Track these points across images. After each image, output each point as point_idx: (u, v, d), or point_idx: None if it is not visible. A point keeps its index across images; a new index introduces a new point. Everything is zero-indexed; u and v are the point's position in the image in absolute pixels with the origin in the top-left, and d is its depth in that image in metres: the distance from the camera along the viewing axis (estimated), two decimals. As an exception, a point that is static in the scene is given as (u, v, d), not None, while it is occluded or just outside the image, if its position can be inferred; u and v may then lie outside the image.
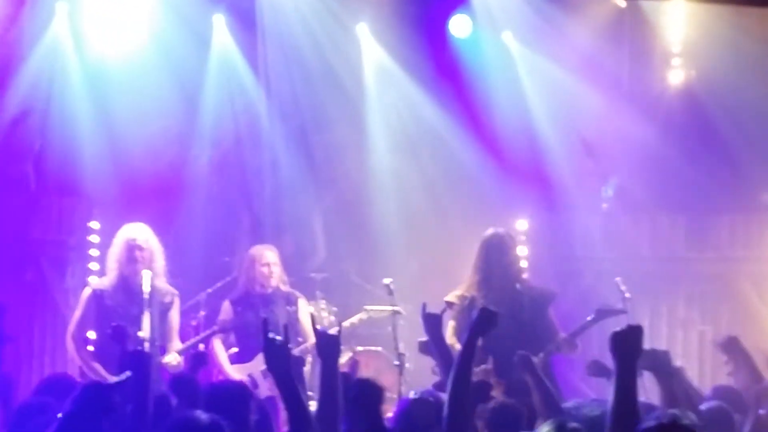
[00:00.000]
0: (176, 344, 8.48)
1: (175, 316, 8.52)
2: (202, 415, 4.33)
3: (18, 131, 10.03)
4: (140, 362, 5.55)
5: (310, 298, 10.66)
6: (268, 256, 9.04)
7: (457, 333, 8.05)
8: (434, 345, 5.77)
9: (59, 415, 4.34)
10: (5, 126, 9.97)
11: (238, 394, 5.44)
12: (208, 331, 8.86)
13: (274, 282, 8.97)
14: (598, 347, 9.51)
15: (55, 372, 8.76)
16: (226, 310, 8.98)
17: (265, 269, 8.97)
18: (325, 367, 4.80)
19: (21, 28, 10.09)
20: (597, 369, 6.36)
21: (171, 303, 8.44)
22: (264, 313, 8.58)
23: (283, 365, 4.44)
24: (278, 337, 4.47)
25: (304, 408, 4.47)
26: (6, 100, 9.97)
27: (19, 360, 9.94)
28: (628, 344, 4.18)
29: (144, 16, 10.46)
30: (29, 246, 10.23)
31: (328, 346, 4.81)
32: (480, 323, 4.93)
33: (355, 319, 9.74)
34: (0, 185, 10.04)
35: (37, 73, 10.15)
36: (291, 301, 9.04)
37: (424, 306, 5.81)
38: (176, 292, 8.52)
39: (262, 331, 4.48)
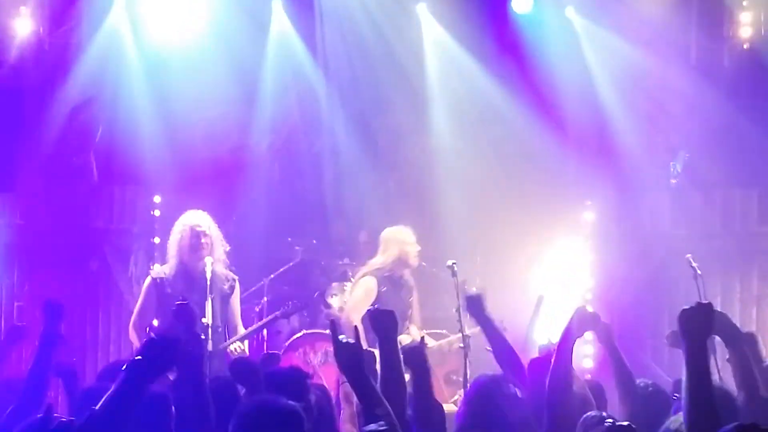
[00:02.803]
0: (240, 330, 8.40)
1: (236, 302, 8.41)
2: (282, 401, 4.21)
3: (79, 121, 10.07)
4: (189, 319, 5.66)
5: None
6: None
7: None
8: (479, 324, 5.81)
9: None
10: (66, 116, 9.99)
11: (296, 377, 5.35)
12: (270, 316, 8.78)
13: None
14: (669, 323, 9.30)
15: (115, 360, 8.73)
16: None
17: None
18: (384, 346, 4.67)
19: (80, 18, 10.10)
20: (677, 339, 6.15)
21: (232, 288, 8.34)
22: None
23: (355, 364, 4.31)
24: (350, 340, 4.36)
25: (382, 404, 4.29)
26: (66, 89, 9.98)
27: (85, 349, 9.99)
28: (697, 323, 3.97)
29: (202, 2, 10.43)
30: (92, 235, 10.27)
31: (384, 324, 4.67)
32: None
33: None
34: (62, 175, 10.09)
35: (96, 62, 10.17)
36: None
37: (464, 288, 5.82)
38: (236, 277, 8.39)
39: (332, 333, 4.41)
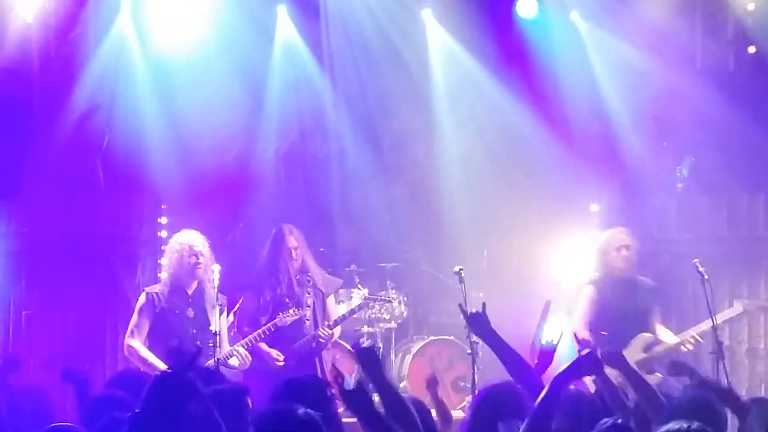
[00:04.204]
0: (226, 347, 8.50)
1: (224, 321, 8.59)
2: (299, 409, 4.22)
3: (85, 128, 10.07)
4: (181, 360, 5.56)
5: (381, 287, 10.60)
6: None
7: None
8: (487, 343, 5.48)
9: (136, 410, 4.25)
10: (73, 124, 10.00)
11: (316, 386, 5.31)
12: (268, 324, 8.76)
13: None
14: (676, 328, 9.29)
15: (127, 367, 8.75)
16: None
17: None
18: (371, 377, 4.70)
19: (86, 26, 10.11)
20: (677, 368, 6.17)
21: (223, 307, 8.53)
22: None
23: (377, 369, 4.47)
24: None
25: (404, 404, 4.39)
26: (73, 97, 9.99)
27: (92, 356, 10.00)
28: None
29: (207, 9, 10.45)
30: (100, 243, 10.27)
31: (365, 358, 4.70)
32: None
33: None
34: (69, 183, 10.08)
35: (102, 70, 10.17)
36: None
37: (461, 307, 5.72)
38: (225, 297, 8.59)
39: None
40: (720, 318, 8.64)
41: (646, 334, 8.57)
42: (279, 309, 8.73)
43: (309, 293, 8.87)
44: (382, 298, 9.22)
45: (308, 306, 8.80)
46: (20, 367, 6.84)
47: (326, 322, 8.84)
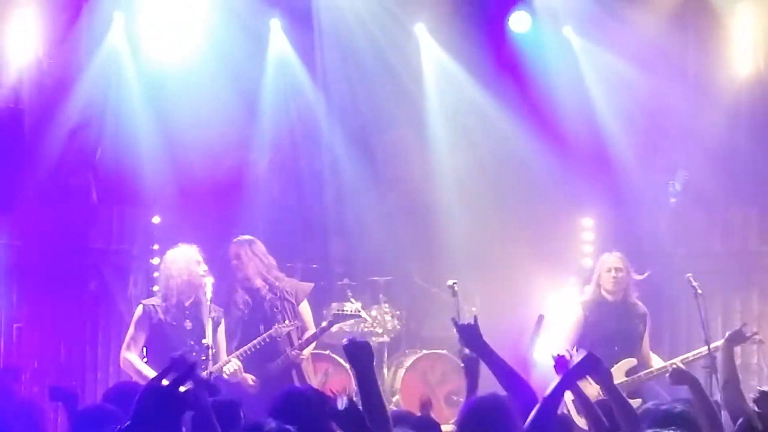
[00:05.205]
0: (223, 358, 8.47)
1: (221, 333, 8.57)
2: (270, 423, 4.20)
3: (77, 141, 10.05)
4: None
5: (374, 301, 10.57)
6: None
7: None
8: (480, 355, 5.50)
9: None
10: (65, 136, 9.98)
11: (315, 398, 5.27)
12: (263, 335, 8.73)
13: None
14: (669, 342, 9.29)
15: (121, 381, 8.71)
16: None
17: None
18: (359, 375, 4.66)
19: (79, 39, 10.10)
20: (679, 377, 6.18)
21: (220, 319, 8.50)
22: None
23: (366, 363, 4.39)
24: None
25: (383, 407, 4.33)
26: (65, 110, 9.97)
27: (84, 370, 9.96)
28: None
29: (200, 22, 10.44)
30: (92, 255, 10.25)
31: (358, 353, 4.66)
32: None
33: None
34: (61, 196, 10.05)
35: (95, 83, 10.16)
36: None
37: (454, 320, 5.65)
38: (221, 309, 8.58)
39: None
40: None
41: (631, 359, 8.56)
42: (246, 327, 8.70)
43: (277, 308, 8.81)
44: (352, 313, 9.05)
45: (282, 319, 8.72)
46: (20, 376, 6.82)
47: (294, 347, 8.73)
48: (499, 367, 5.28)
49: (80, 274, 10.12)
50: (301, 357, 8.78)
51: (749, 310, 10.35)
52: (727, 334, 7.33)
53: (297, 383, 8.44)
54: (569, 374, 4.74)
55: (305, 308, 9.01)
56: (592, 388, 6.71)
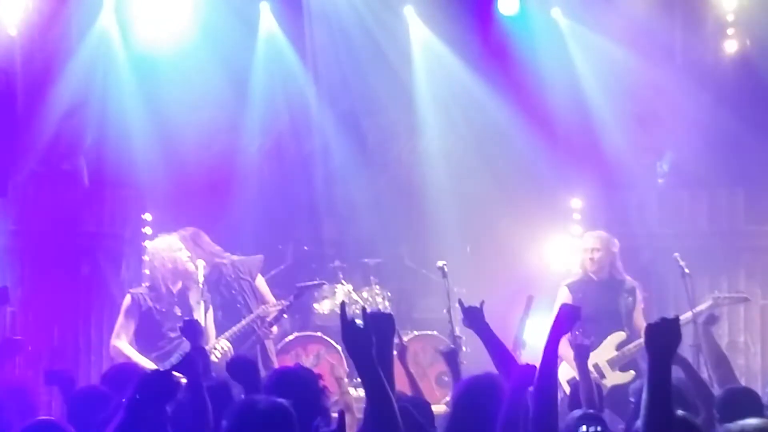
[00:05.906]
0: (212, 341, 8.54)
1: (210, 317, 8.61)
2: (262, 399, 4.23)
3: (69, 125, 10.06)
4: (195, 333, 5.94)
5: (365, 283, 10.64)
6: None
7: None
8: (481, 337, 5.61)
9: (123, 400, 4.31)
10: (57, 121, 9.99)
11: (304, 378, 5.32)
12: (252, 316, 8.77)
13: None
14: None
15: (117, 363, 8.76)
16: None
17: None
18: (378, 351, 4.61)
19: (69, 22, 10.10)
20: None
21: (209, 304, 8.59)
22: None
23: (365, 350, 4.00)
24: (358, 321, 4.09)
25: (389, 397, 3.99)
26: (56, 94, 9.98)
27: (78, 353, 10.01)
28: (664, 338, 3.86)
29: (190, 5, 10.46)
30: (84, 240, 10.26)
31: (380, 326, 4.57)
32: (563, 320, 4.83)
33: None
34: (53, 180, 10.07)
35: (86, 67, 10.15)
36: None
37: (460, 302, 5.87)
38: (209, 295, 8.61)
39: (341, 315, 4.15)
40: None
41: (620, 332, 8.64)
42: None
43: (235, 289, 8.84)
44: (315, 283, 9.11)
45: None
46: (22, 348, 6.84)
47: (263, 324, 8.69)
48: (497, 351, 5.45)
49: (73, 258, 10.13)
50: (271, 334, 8.85)
51: (736, 289, 10.42)
52: (699, 321, 7.50)
53: (260, 361, 8.48)
54: (553, 331, 4.75)
55: (261, 282, 9.10)
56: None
